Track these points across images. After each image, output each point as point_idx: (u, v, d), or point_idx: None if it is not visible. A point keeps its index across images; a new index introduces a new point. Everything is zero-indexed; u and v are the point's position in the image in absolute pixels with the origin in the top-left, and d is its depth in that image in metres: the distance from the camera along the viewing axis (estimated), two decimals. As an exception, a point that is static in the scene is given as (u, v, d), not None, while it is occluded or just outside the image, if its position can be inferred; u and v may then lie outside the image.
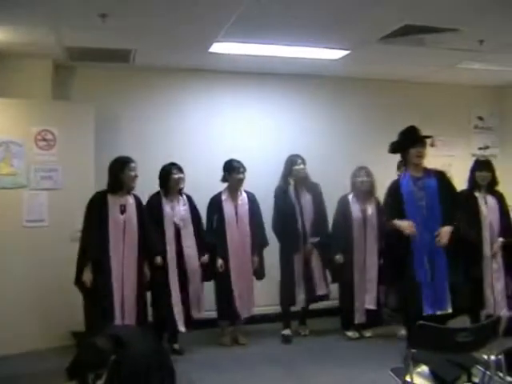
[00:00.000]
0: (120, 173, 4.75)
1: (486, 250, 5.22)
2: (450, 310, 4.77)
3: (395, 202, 4.91)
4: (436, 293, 4.79)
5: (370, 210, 5.60)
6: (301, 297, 5.60)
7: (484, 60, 5.74)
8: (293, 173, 5.59)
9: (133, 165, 4.79)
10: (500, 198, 5.34)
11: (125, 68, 5.94)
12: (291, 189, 5.59)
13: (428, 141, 4.94)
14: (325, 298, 5.77)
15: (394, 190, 4.96)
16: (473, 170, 5.41)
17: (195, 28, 4.66)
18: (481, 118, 7.37)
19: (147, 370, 3.13)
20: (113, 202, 4.73)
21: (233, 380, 4.64)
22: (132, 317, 4.68)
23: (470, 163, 6.84)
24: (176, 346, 5.23)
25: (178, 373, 3.64)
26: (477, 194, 5.29)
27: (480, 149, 7.29)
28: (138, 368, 3.10)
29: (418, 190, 4.87)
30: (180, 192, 5.22)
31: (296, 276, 5.57)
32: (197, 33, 4.79)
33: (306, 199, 5.63)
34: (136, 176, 4.81)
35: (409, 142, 4.86)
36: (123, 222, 4.74)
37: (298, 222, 5.56)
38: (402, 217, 4.82)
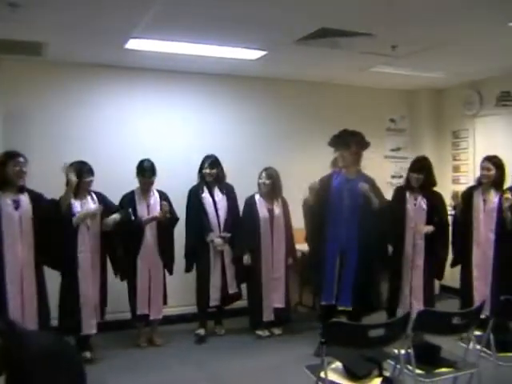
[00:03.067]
0: (4, 167, 4.40)
1: (408, 250, 5.22)
2: (350, 308, 4.93)
3: (323, 193, 5.02)
4: (340, 288, 4.97)
5: (277, 210, 5.67)
6: (216, 295, 5.59)
7: (396, 64, 5.94)
8: (203, 175, 5.61)
9: (20, 159, 4.43)
10: (432, 198, 5.23)
11: (37, 62, 5.69)
12: (204, 189, 5.59)
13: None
14: (238, 296, 5.79)
15: (325, 183, 5.09)
16: (408, 170, 5.38)
17: (109, 23, 4.53)
18: (393, 121, 7.61)
19: (52, 370, 2.98)
20: (3, 197, 4.38)
21: (147, 382, 4.58)
22: (33, 321, 4.42)
23: (382, 165, 7.06)
24: (87, 355, 4.96)
25: (91, 376, 3.52)
26: (407, 194, 5.27)
27: (392, 150, 7.54)
28: (40, 365, 2.94)
29: (346, 190, 5.03)
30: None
31: (211, 274, 5.56)
32: (111, 28, 4.66)
33: (220, 198, 5.63)
34: (22, 172, 4.44)
35: (334, 145, 5.10)
36: (18, 217, 4.41)
37: (214, 219, 5.56)
38: (325, 209, 5.01)
